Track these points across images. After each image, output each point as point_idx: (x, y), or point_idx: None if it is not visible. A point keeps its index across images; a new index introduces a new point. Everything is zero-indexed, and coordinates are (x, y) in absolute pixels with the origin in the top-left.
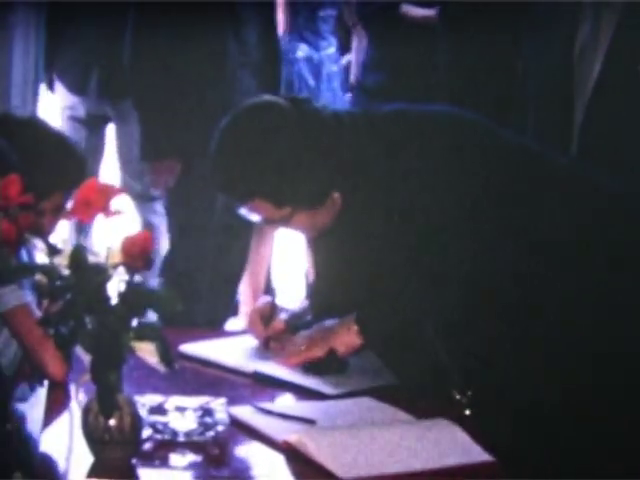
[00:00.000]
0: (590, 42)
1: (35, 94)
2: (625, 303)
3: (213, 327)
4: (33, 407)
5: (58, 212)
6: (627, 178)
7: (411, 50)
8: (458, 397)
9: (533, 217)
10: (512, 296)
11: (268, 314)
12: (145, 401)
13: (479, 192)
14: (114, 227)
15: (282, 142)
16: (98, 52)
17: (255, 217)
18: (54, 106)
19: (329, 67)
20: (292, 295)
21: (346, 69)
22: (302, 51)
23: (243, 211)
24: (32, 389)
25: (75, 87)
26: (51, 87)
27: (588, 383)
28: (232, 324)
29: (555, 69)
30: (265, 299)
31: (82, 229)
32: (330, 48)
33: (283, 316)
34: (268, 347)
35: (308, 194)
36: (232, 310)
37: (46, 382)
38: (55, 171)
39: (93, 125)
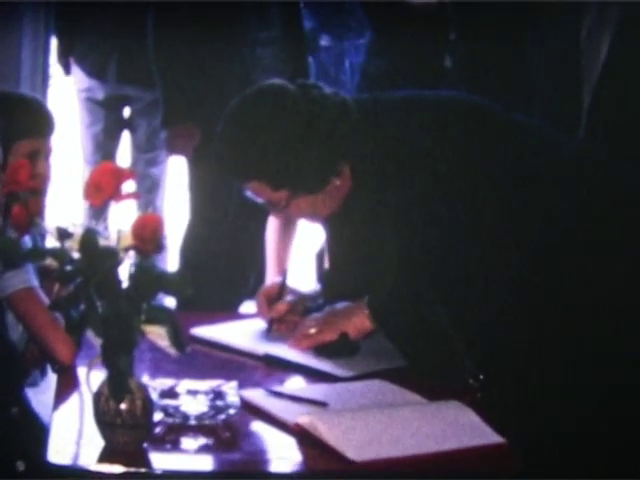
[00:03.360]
0: (597, 25)
1: (45, 77)
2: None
3: (228, 309)
4: (43, 391)
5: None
6: (634, 161)
7: (412, 36)
8: (470, 380)
9: (544, 199)
10: (525, 279)
11: (275, 296)
12: (156, 385)
13: (491, 175)
14: (130, 211)
15: (280, 126)
16: (117, 37)
17: (258, 199)
18: (69, 88)
19: (355, 58)
20: (302, 278)
21: None
22: (324, 40)
23: (247, 193)
24: (42, 374)
25: (94, 71)
26: (67, 70)
27: (600, 366)
28: (247, 307)
29: (562, 53)
30: (274, 280)
31: (98, 213)
32: (360, 39)
33: (289, 298)
34: (271, 328)
35: (305, 179)
36: (248, 292)
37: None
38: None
39: (111, 107)
